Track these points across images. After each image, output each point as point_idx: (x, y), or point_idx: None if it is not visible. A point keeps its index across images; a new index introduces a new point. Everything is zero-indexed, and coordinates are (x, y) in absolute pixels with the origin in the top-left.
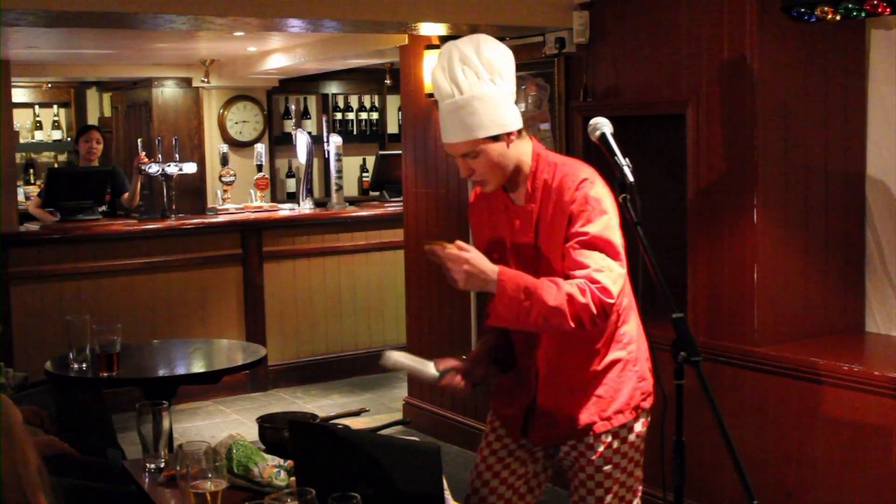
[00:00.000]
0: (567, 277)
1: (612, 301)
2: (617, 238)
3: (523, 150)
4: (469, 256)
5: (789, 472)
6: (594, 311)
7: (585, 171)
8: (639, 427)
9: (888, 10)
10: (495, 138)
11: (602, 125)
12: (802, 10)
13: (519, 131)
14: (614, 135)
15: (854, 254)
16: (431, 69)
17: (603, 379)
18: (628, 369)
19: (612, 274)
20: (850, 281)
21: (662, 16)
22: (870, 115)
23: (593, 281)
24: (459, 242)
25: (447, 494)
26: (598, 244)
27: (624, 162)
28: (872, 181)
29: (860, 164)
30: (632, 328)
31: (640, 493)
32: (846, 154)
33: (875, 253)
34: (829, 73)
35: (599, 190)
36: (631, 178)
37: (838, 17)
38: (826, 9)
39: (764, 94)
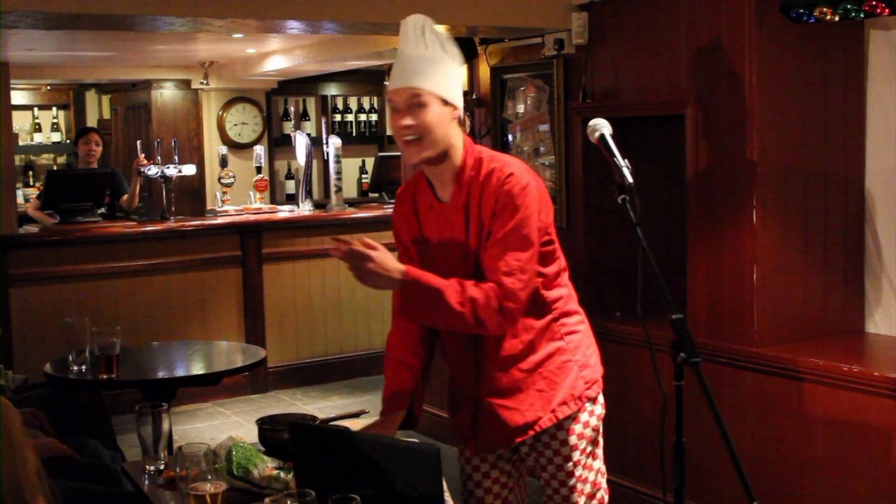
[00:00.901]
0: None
1: (516, 306)
2: (535, 236)
3: (457, 140)
4: (374, 255)
5: (789, 473)
6: (497, 316)
7: (513, 166)
8: (585, 416)
9: (886, 10)
10: (444, 102)
11: (601, 126)
12: (801, 10)
13: (460, 120)
14: (613, 136)
15: (853, 254)
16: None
17: (543, 373)
18: (568, 359)
19: (522, 276)
20: (849, 281)
21: (661, 17)
22: (868, 116)
23: (501, 284)
24: (365, 239)
25: (447, 496)
26: (513, 243)
27: (623, 163)
28: (871, 181)
29: (859, 164)
30: (571, 319)
31: (604, 477)
32: (845, 154)
33: (874, 253)
34: (827, 73)
35: (525, 185)
36: (630, 179)
37: (837, 18)
38: (825, 9)
39: (763, 95)
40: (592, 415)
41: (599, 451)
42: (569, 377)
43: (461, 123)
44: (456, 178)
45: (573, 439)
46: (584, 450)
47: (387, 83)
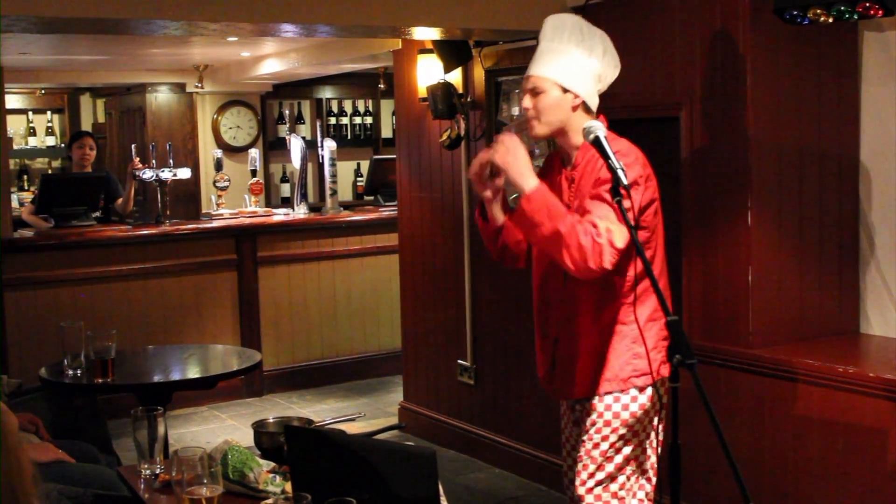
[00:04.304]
0: None
1: (611, 247)
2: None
3: (578, 122)
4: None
5: (785, 474)
6: (588, 251)
7: (624, 147)
8: (627, 399)
9: (880, 12)
10: (563, 90)
11: (596, 128)
12: (795, 12)
13: (588, 108)
14: (608, 138)
15: (849, 255)
16: (548, 17)
17: (599, 347)
18: (625, 344)
19: (612, 226)
20: (844, 282)
21: (656, 18)
22: (863, 117)
23: (593, 224)
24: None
25: (443, 500)
26: (606, 201)
27: (618, 165)
28: (866, 183)
29: (854, 166)
30: (642, 310)
31: (625, 471)
32: (840, 156)
33: (869, 254)
34: (822, 75)
35: (629, 163)
36: (625, 181)
37: (831, 20)
38: (819, 11)
39: (757, 97)
40: (626, 409)
41: (627, 449)
42: (620, 359)
43: (588, 110)
44: (579, 153)
45: (609, 416)
46: (616, 428)
47: (382, 86)
